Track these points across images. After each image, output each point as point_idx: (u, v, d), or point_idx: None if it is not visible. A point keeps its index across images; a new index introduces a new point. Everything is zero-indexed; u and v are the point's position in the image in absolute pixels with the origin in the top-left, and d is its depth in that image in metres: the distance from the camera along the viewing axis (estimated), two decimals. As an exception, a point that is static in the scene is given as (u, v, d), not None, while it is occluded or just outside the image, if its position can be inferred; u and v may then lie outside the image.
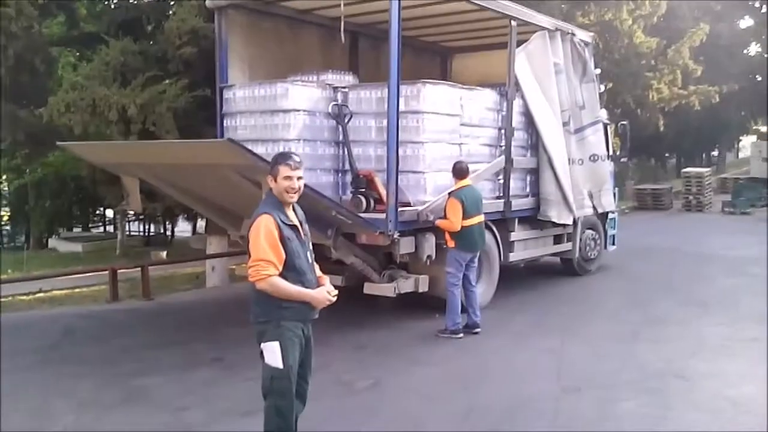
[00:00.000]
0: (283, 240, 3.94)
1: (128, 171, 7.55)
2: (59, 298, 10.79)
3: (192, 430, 5.21)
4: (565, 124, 10.02)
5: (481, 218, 7.73)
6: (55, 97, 10.04)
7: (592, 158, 10.46)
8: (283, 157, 4.13)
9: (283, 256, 3.93)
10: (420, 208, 7.82)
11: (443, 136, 8.25)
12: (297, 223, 4.11)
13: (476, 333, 7.74)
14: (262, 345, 4.03)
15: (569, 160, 10.04)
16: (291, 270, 3.98)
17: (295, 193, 4.04)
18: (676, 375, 6.34)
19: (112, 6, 13.60)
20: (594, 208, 10.75)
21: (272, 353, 3.99)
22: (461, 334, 7.64)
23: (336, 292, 4.16)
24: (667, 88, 22.47)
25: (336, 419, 5.34)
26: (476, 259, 7.89)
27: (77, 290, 11.32)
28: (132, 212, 20.73)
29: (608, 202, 11.00)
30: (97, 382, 6.34)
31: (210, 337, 7.94)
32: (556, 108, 9.82)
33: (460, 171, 7.68)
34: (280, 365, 3.99)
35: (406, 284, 7.95)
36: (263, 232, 3.89)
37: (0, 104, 10.88)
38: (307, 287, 4.05)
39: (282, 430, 4.10)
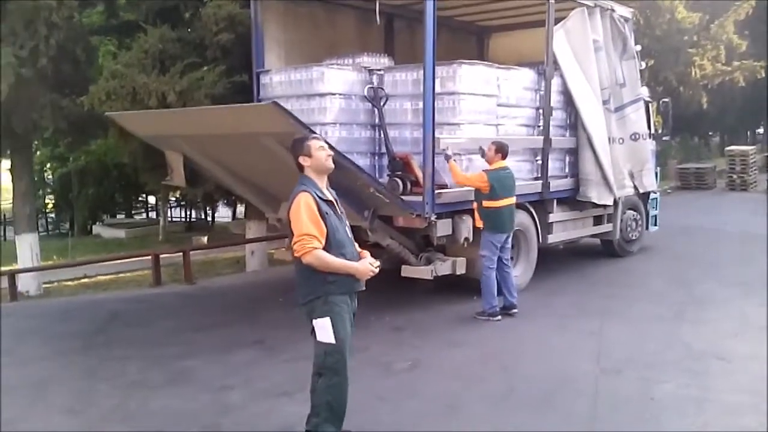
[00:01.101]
0: (322, 215, 4.04)
1: (172, 145, 7.64)
2: (103, 284, 11.06)
3: (234, 409, 5.30)
4: (605, 102, 9.85)
5: (512, 200, 7.62)
6: (96, 86, 10.18)
7: (633, 137, 10.29)
8: (306, 137, 4.39)
9: (324, 230, 4.03)
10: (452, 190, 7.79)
11: (480, 117, 8.18)
12: (333, 198, 4.22)
13: (513, 315, 7.72)
14: (314, 322, 4.11)
15: (609, 139, 9.87)
16: (332, 244, 4.07)
17: (331, 161, 4.22)
18: (717, 356, 6.25)
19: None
20: (635, 188, 10.57)
21: (324, 329, 4.08)
22: (499, 317, 7.62)
23: (378, 263, 4.24)
24: (710, 64, 21.99)
25: (374, 400, 5.37)
26: (510, 240, 7.80)
27: (121, 275, 11.60)
28: (174, 195, 21.01)
29: (650, 182, 10.82)
30: (142, 365, 6.49)
31: (250, 319, 8.05)
32: (595, 86, 9.65)
33: (502, 150, 7.60)
34: (333, 340, 4.08)
35: (443, 267, 7.94)
36: (304, 208, 4.00)
37: (43, 94, 11.09)
38: (349, 260, 4.13)
39: (335, 406, 4.17)
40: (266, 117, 6.13)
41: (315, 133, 6.14)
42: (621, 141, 10.12)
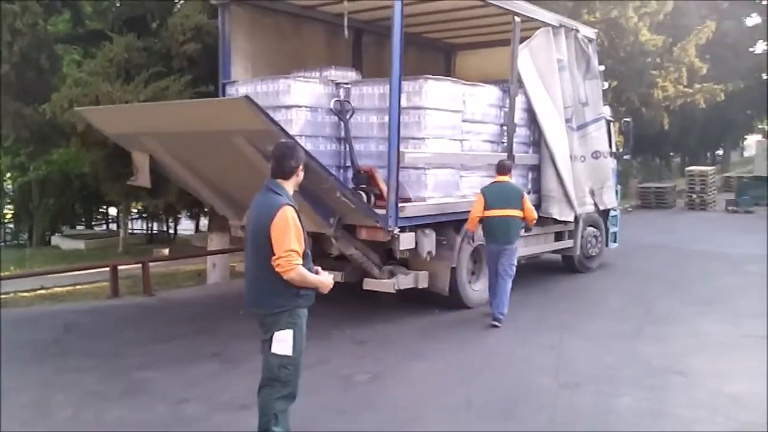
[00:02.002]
0: (302, 229, 4.12)
1: (139, 144, 7.55)
2: (60, 295, 10.84)
3: (191, 421, 5.23)
4: (567, 120, 10.00)
5: (503, 212, 7.84)
6: (59, 94, 10.05)
7: (594, 155, 10.45)
8: (295, 145, 4.43)
9: (304, 245, 4.10)
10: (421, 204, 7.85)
11: (445, 132, 8.24)
12: None
13: (494, 326, 7.87)
14: (276, 334, 4.11)
15: (571, 156, 10.02)
16: (304, 256, 4.13)
17: None
18: (675, 372, 6.34)
19: (117, 3, 13.64)
20: (596, 205, 10.73)
21: (284, 342, 4.11)
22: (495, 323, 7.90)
23: (332, 276, 4.36)
24: (672, 86, 22.41)
25: (333, 413, 5.35)
26: (504, 254, 7.94)
27: (78, 287, 11.38)
28: (135, 207, 20.73)
29: (610, 199, 10.98)
30: (98, 376, 6.38)
31: (210, 331, 7.96)
32: (559, 104, 9.80)
33: (498, 167, 8.15)
34: (290, 353, 4.11)
35: (405, 280, 7.96)
36: (291, 223, 4.03)
37: (1, 101, 10.89)
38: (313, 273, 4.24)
39: (281, 419, 4.19)
40: (237, 112, 6.08)
41: (285, 131, 6.17)
42: (582, 159, 10.28)
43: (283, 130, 6.25)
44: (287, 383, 4.17)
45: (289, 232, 3.99)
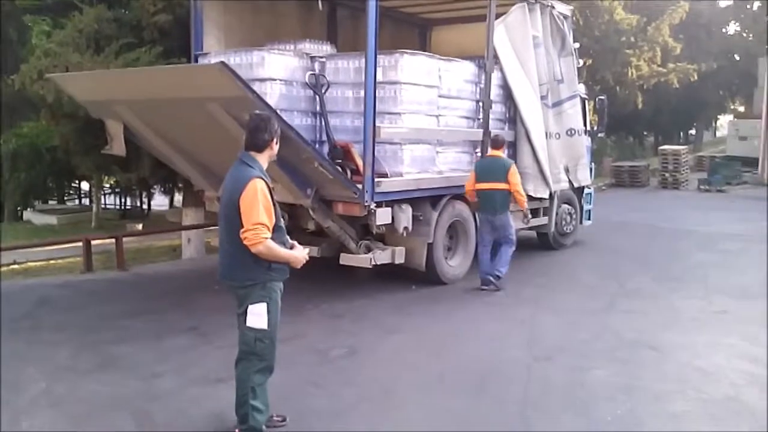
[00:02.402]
0: (273, 203, 4.08)
1: (113, 113, 7.43)
2: (34, 270, 10.69)
3: (166, 395, 5.21)
4: (542, 97, 10.02)
5: (488, 185, 8.32)
6: (28, 65, 9.84)
7: (569, 132, 10.50)
8: (270, 117, 4.36)
9: (274, 219, 4.06)
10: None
11: (421, 108, 8.20)
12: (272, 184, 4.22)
13: (483, 289, 8.41)
14: (250, 307, 4.09)
15: (546, 133, 10.05)
16: (276, 229, 4.10)
17: None
18: (647, 346, 6.43)
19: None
20: (570, 182, 10.79)
21: (258, 315, 4.09)
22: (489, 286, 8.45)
23: (307, 251, 4.32)
24: (646, 66, 22.60)
25: (309, 387, 5.35)
26: (494, 224, 8.44)
27: (52, 262, 11.23)
28: (108, 182, 20.48)
29: (584, 176, 11.05)
30: (71, 350, 6.32)
31: (185, 306, 7.92)
32: (534, 81, 9.80)
33: (491, 142, 8.68)
34: (265, 326, 4.10)
35: (382, 255, 7.97)
36: (260, 195, 3.98)
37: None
38: (286, 247, 4.21)
39: (259, 392, 4.19)
40: (212, 79, 6.02)
41: (262, 99, 6.09)
42: (558, 136, 10.31)
43: (259, 97, 6.19)
44: (263, 356, 4.17)
45: (257, 205, 3.95)
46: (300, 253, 4.23)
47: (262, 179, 4.03)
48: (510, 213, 8.55)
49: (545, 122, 10.04)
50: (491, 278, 8.42)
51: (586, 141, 11.36)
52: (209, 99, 6.16)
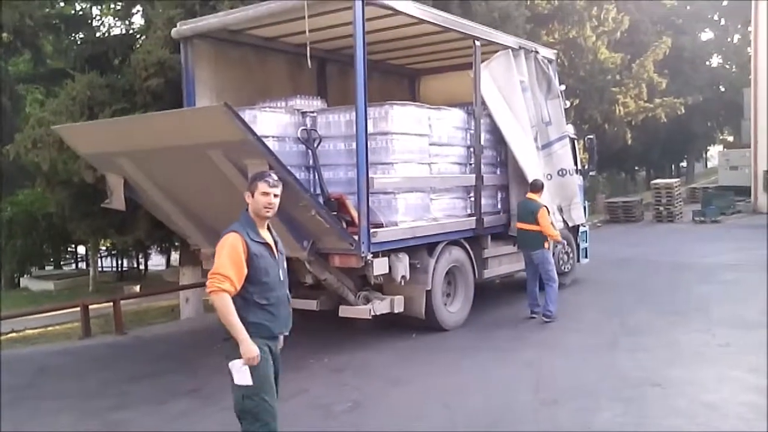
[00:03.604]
0: (250, 257, 3.99)
1: (114, 165, 7.47)
2: (32, 337, 10.65)
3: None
4: (533, 140, 10.11)
5: (522, 225, 9.15)
6: (22, 134, 9.95)
7: (560, 173, 10.57)
8: (261, 174, 4.26)
9: (245, 272, 3.97)
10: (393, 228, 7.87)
11: (413, 156, 8.29)
12: (270, 242, 4.16)
13: (532, 317, 9.23)
14: (229, 364, 4.00)
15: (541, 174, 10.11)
16: (256, 284, 4.02)
17: (270, 209, 4.14)
18: (652, 383, 6.38)
19: (78, 41, 13.57)
20: (564, 222, 10.82)
21: (240, 372, 3.97)
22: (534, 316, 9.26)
23: (255, 354, 3.94)
24: (633, 102, 22.89)
25: (315, 443, 5.30)
26: (533, 261, 9.16)
27: (50, 328, 11.19)
28: (104, 245, 20.46)
29: (578, 215, 11.09)
30: (73, 418, 6.25)
31: (186, 368, 7.86)
32: (525, 124, 9.90)
33: (530, 186, 9.33)
34: (250, 382, 3.97)
35: (381, 305, 7.95)
36: (227, 248, 3.96)
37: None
38: (273, 303, 4.08)
39: None
40: (215, 120, 6.09)
41: (263, 142, 6.08)
42: (549, 177, 10.37)
43: (259, 140, 6.25)
44: (256, 415, 4.00)
45: (222, 255, 3.93)
46: (251, 345, 3.91)
47: (238, 234, 3.99)
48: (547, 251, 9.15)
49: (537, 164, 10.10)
50: (543, 316, 9.07)
51: (578, 180, 11.46)
52: (210, 145, 6.24)
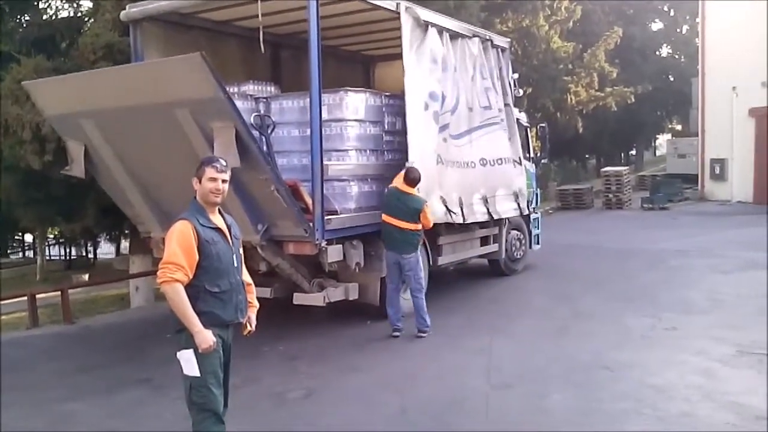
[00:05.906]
0: (200, 243, 3.93)
1: (77, 130, 7.32)
2: (-24, 328, 10.37)
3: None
4: (445, 126, 9.24)
5: (399, 223, 7.72)
6: (-34, 119, 9.66)
7: (482, 162, 9.91)
8: (209, 160, 4.19)
9: (196, 259, 3.91)
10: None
11: (367, 144, 8.28)
12: (223, 226, 4.10)
13: (394, 336, 7.91)
14: (178, 354, 3.96)
15: (461, 163, 9.51)
16: (209, 272, 3.96)
17: (219, 195, 4.07)
18: (601, 366, 6.51)
19: (24, 24, 13.19)
20: (519, 209, 10.73)
21: (189, 362, 3.92)
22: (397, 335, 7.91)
23: (211, 343, 3.90)
24: (584, 91, 23.19)
25: (269, 432, 5.28)
26: (404, 264, 7.81)
27: (-4, 318, 10.92)
28: (52, 232, 20.08)
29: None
30: (20, 411, 6.12)
31: (136, 357, 7.76)
32: (435, 110, 9.07)
33: (407, 175, 7.82)
34: (197, 373, 3.92)
35: (335, 293, 7.94)
36: (176, 236, 3.91)
37: None
38: (225, 290, 4.01)
39: None
40: (190, 72, 6.01)
41: (233, 103, 6.16)
42: (472, 165, 9.75)
43: (230, 99, 6.18)
44: (202, 406, 3.95)
45: (172, 243, 3.87)
46: (205, 334, 3.86)
47: (188, 221, 3.93)
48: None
49: (446, 150, 9.26)
50: (419, 331, 7.91)
51: (530, 167, 11.53)
52: (178, 102, 6.16)
